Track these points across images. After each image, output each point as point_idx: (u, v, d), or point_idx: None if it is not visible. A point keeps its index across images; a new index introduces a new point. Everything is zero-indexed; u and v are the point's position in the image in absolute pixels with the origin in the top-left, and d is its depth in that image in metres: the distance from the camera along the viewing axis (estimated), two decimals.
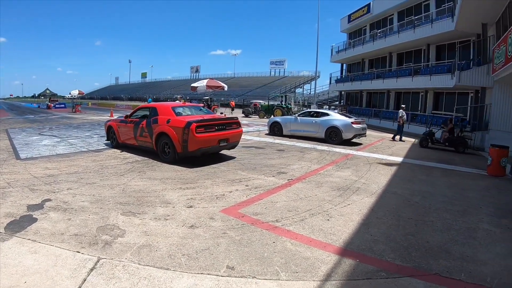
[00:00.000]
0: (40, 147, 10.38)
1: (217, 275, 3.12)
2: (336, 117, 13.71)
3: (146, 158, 8.87)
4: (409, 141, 15.93)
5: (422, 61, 24.33)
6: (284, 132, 14.95)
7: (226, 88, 19.11)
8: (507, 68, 11.28)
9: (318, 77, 56.56)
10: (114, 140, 10.62)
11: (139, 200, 5.31)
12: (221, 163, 8.57)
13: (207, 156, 8.95)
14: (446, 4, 21.15)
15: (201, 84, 17.59)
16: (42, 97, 68.15)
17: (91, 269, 3.17)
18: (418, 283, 3.10)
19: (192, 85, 18.33)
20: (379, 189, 6.46)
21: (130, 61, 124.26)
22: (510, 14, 13.08)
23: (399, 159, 10.32)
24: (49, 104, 44.12)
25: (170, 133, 8.07)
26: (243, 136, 13.68)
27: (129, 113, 10.33)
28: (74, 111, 34.35)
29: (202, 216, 4.68)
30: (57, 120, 22.75)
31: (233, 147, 9.40)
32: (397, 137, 16.23)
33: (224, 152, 9.93)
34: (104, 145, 11.03)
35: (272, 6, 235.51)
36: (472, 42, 19.24)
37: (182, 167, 7.85)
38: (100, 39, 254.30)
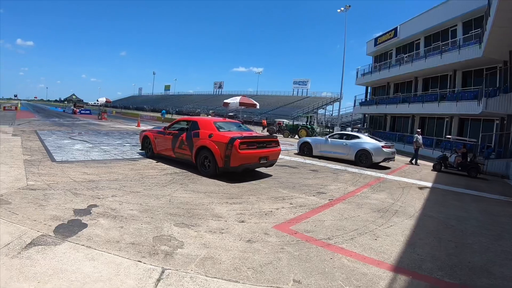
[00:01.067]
0: (74, 151, 10.55)
1: None
2: (366, 140, 13.76)
3: (183, 170, 8.86)
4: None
5: (448, 86, 24.19)
6: (314, 153, 14.99)
7: (258, 106, 19.29)
8: None
9: (341, 98, 56.90)
10: (149, 150, 10.60)
11: (188, 212, 5.30)
12: (260, 180, 8.58)
13: (245, 173, 8.90)
14: (474, 31, 21.20)
15: (234, 100, 17.78)
16: (65, 102, 69.77)
17: (158, 280, 3.10)
18: None
19: (225, 101, 18.55)
20: (416, 212, 6.61)
21: (154, 73, 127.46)
22: None
23: (429, 184, 10.49)
24: (75, 109, 45.18)
25: (212, 148, 8.11)
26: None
27: (167, 125, 10.43)
28: (100, 118, 35.08)
29: (256, 231, 4.69)
30: (84, 126, 23.17)
31: (271, 165, 9.39)
32: (414, 160, 16.30)
33: (260, 169, 9.90)
34: (137, 154, 11.12)
35: (295, 27, 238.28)
36: (499, 69, 19.08)
37: (223, 182, 7.83)
38: (125, 50, 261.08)
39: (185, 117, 12.88)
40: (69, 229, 4.11)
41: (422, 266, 3.96)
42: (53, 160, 8.74)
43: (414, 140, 16.39)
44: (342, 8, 32.36)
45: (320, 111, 56.41)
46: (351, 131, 32.52)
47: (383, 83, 33.30)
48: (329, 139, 14.77)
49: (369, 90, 37.83)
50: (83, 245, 3.70)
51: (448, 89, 23.91)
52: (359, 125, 40.75)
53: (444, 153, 15.36)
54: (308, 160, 13.69)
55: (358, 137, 14.21)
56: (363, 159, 13.29)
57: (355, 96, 40.17)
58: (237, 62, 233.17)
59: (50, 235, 3.86)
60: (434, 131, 24.34)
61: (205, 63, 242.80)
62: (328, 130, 35.33)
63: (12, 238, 3.71)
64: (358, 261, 3.93)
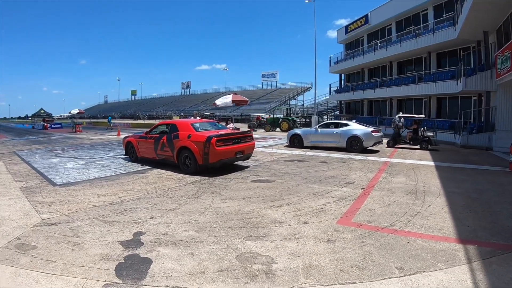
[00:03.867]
0: (70, 171, 9.73)
1: (397, 277, 3.33)
2: (356, 127, 14.33)
3: (201, 177, 8.72)
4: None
5: (424, 68, 25.04)
6: (305, 144, 15.38)
7: (249, 102, 19.18)
8: None
9: (311, 88, 57.50)
10: (133, 154, 11.45)
11: (246, 222, 5.05)
12: (284, 178, 8.60)
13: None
14: (445, 15, 22.03)
15: (226, 99, 17.58)
16: (30, 118, 67.10)
17: None
18: None
19: (216, 101, 18.32)
20: (439, 190, 7.07)
21: (119, 79, 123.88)
22: None
23: (431, 163, 10.98)
24: (45, 124, 42.93)
25: (191, 147, 8.86)
26: (277, 150, 14.40)
27: (148, 130, 11.18)
28: (74, 131, 32.97)
29: (326, 230, 4.70)
30: (62, 141, 21.66)
31: (247, 158, 10.20)
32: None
33: (277, 165, 10.51)
34: (140, 165, 10.62)
35: (253, 21, 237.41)
36: (473, 49, 20.07)
37: (252, 184, 7.89)
38: (85, 58, 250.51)
39: (164, 121, 13.37)
40: (133, 269, 3.52)
41: (478, 234, 4.47)
42: (53, 184, 7.89)
43: (393, 120, 17.05)
44: None
45: (292, 101, 56.78)
46: (328, 118, 33.28)
47: (357, 69, 33.92)
48: (319, 129, 15.22)
49: (343, 77, 38.39)
50: (167, 286, 3.19)
51: (424, 71, 24.70)
52: (337, 112, 41.42)
53: (398, 130, 16.31)
54: (309, 152, 13.76)
55: (347, 125, 14.70)
56: (355, 145, 13.82)
57: (330, 84, 40.89)
58: (200, 60, 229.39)
59: (117, 283, 3.23)
60: (413, 112, 25.04)
61: (169, 64, 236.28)
62: (304, 120, 35.75)
63: None
64: (430, 240, 4.27)
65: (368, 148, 14.07)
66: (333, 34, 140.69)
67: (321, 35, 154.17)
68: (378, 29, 30.60)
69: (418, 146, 15.34)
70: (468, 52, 20.75)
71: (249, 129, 26.44)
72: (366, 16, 30.92)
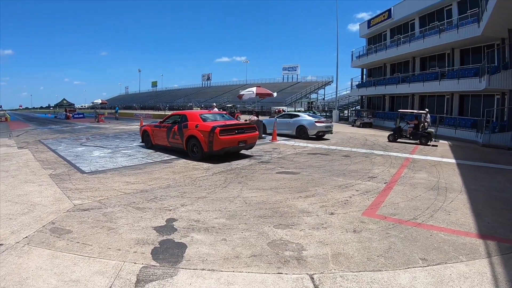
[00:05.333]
0: (97, 159, 9.97)
1: (421, 267, 3.50)
2: (304, 118, 16.75)
3: (225, 167, 9.03)
4: (444, 143, 16.68)
5: (447, 64, 24.48)
6: (267, 131, 17.35)
7: (275, 95, 19.51)
8: None
9: (331, 82, 57.08)
10: (148, 142, 12.50)
11: (275, 211, 5.22)
12: (309, 170, 8.79)
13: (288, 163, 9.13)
14: (469, 11, 21.54)
15: (249, 91, 17.78)
16: (52, 107, 68.97)
17: (316, 287, 3.08)
18: None
19: (241, 92, 18.56)
20: (461, 187, 7.12)
21: (139, 70, 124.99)
22: None
23: (452, 161, 10.98)
24: (68, 114, 44.07)
25: (198, 136, 9.70)
26: (300, 143, 14.66)
27: (161, 119, 12.15)
28: (97, 121, 34.00)
29: (352, 221, 4.86)
30: (86, 130, 22.19)
31: (250, 147, 10.93)
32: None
33: (301, 158, 10.81)
34: (167, 155, 10.82)
35: (275, 12, 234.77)
36: (497, 47, 19.48)
37: (278, 175, 8.09)
38: (106, 49, 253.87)
39: (176, 111, 15.06)
40: (169, 253, 3.67)
41: (497, 231, 4.57)
42: (82, 172, 8.13)
43: (423, 117, 16.90)
44: None
45: (313, 95, 56.58)
46: (349, 113, 33.25)
47: (379, 64, 33.46)
48: (277, 119, 17.20)
49: (364, 72, 38.05)
50: (203, 269, 3.32)
51: (447, 67, 24.12)
52: (358, 107, 41.20)
53: (399, 125, 16.66)
54: (331, 146, 13.94)
55: (298, 116, 17.27)
56: (302, 133, 16.12)
57: (352, 79, 40.31)
58: (220, 52, 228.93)
59: (154, 265, 3.38)
60: (435, 109, 24.69)
61: (190, 56, 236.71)
62: (325, 114, 35.73)
63: (109, 279, 3.09)
64: (452, 234, 4.40)
65: (316, 136, 16.03)
66: (354, 27, 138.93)
67: (342, 29, 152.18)
68: (401, 24, 30.11)
69: (418, 141, 15.68)
70: (492, 49, 20.17)
71: None
72: (389, 10, 30.49)
